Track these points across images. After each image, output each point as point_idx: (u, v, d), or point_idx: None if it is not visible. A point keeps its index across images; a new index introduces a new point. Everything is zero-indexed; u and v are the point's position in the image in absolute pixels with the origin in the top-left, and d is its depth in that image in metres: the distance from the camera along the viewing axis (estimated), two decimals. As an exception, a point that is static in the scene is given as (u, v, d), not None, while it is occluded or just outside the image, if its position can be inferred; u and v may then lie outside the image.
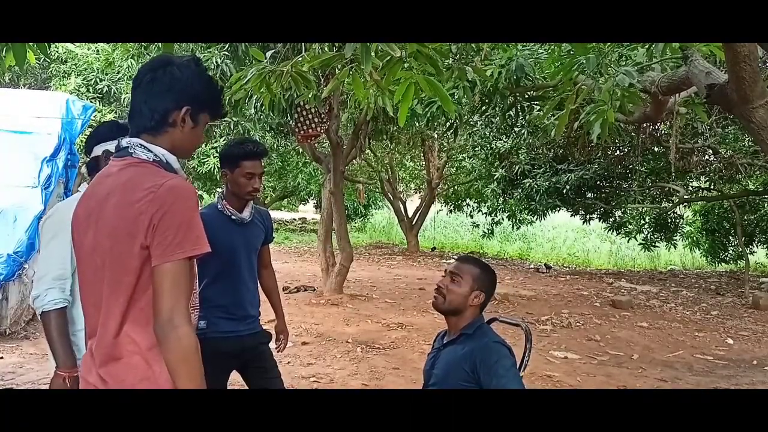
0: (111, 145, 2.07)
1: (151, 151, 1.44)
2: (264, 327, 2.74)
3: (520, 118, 6.47)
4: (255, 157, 2.56)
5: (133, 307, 1.40)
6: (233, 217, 2.58)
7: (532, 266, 13.75)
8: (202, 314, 2.53)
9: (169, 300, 1.33)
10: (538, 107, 5.98)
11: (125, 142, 1.47)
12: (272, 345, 2.77)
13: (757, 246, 13.37)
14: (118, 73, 10.37)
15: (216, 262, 2.58)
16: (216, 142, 10.73)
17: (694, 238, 14.62)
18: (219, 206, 2.60)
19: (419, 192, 18.32)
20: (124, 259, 1.38)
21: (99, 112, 10.24)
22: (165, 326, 1.33)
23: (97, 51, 10.95)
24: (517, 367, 2.07)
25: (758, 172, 10.13)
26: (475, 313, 2.15)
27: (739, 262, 13.10)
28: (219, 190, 2.68)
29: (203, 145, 10.89)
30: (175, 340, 1.32)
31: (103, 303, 1.43)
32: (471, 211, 17.39)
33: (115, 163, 1.48)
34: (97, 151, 2.12)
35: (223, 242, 2.57)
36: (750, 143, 8.58)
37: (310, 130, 7.71)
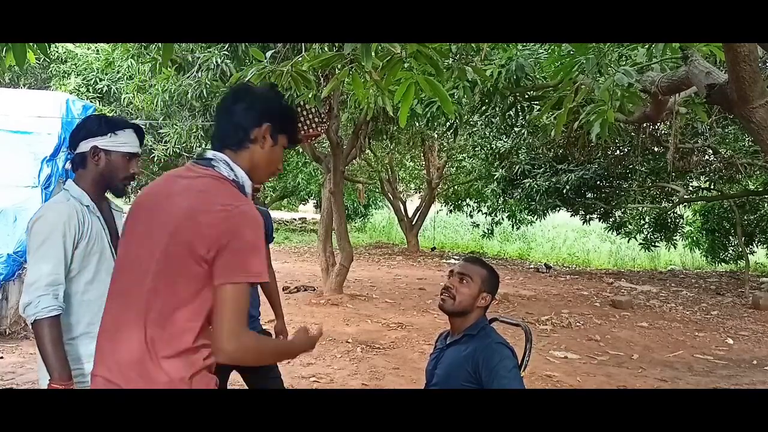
0: (99, 141, 1.98)
1: (233, 171, 1.48)
2: (264, 327, 2.73)
3: (520, 118, 6.47)
4: None
5: (171, 315, 1.38)
6: None
7: (532, 266, 13.75)
8: None
9: (231, 322, 1.35)
10: (538, 107, 5.97)
11: (210, 154, 1.50)
12: None
13: (757, 246, 13.37)
14: (118, 73, 10.37)
15: None
16: (216, 141, 10.71)
17: (694, 238, 14.62)
18: None
19: (419, 192, 18.32)
20: (176, 260, 1.38)
21: (99, 111, 10.25)
22: (231, 351, 1.36)
23: (97, 51, 10.96)
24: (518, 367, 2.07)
25: (758, 172, 10.13)
26: (479, 314, 2.15)
27: (739, 262, 13.11)
28: None
29: (203, 145, 10.87)
30: (245, 353, 1.39)
31: (137, 293, 1.41)
32: (471, 211, 17.40)
33: (194, 170, 1.49)
34: (84, 146, 1.99)
35: None
36: (750, 143, 8.58)
37: (310, 130, 7.71)
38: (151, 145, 10.59)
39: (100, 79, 11.34)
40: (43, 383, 1.90)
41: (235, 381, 2.73)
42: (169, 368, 1.37)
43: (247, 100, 1.52)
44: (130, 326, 1.41)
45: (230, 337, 1.35)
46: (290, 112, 1.62)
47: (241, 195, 1.46)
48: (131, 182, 2.12)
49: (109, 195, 2.12)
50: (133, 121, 2.21)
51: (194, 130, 9.55)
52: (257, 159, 1.52)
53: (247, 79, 2.90)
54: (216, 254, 1.36)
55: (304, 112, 7.58)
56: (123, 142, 2.01)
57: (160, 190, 1.51)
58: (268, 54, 3.09)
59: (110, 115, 2.43)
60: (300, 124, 7.68)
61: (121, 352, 1.41)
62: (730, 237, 13.37)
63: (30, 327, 1.86)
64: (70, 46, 10.95)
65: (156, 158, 11.08)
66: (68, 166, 2.37)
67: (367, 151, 12.09)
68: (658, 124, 8.26)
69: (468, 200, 17.03)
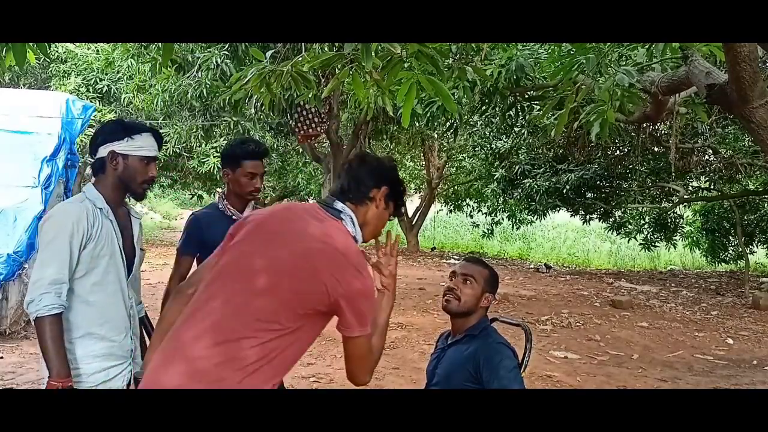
0: (117, 146, 2.01)
1: (355, 228, 1.65)
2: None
3: (520, 118, 6.48)
4: (256, 156, 2.56)
5: (266, 342, 1.46)
6: (234, 217, 2.58)
7: (532, 266, 13.75)
8: None
9: (365, 367, 1.64)
10: (538, 107, 5.98)
11: (339, 206, 1.65)
12: None
13: (757, 246, 13.37)
14: (118, 72, 10.38)
15: None
16: (216, 142, 10.74)
17: (694, 238, 14.62)
18: (220, 206, 2.60)
19: (419, 192, 18.32)
20: (292, 293, 1.48)
21: (99, 111, 10.24)
22: (364, 380, 1.65)
23: (97, 51, 10.97)
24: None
25: (758, 172, 10.13)
26: (481, 315, 2.16)
27: (739, 262, 13.11)
28: (219, 189, 2.69)
29: (203, 145, 10.89)
30: (373, 367, 1.67)
31: (239, 302, 1.49)
32: (471, 211, 17.40)
33: (323, 215, 1.62)
34: (103, 151, 2.02)
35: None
36: (750, 143, 8.58)
37: (310, 130, 7.72)
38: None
39: (100, 79, 11.34)
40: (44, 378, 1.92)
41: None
42: (249, 383, 1.44)
43: (373, 164, 1.72)
44: (224, 331, 1.47)
45: (366, 374, 1.64)
46: (403, 186, 1.79)
47: (361, 257, 1.60)
48: (150, 186, 2.15)
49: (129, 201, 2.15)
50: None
51: (194, 130, 9.57)
52: (370, 217, 1.70)
53: (247, 79, 2.90)
54: (339, 307, 1.51)
55: (304, 112, 7.59)
56: (140, 146, 2.04)
57: (282, 219, 1.63)
58: (268, 54, 3.09)
59: (127, 119, 2.43)
60: (300, 124, 7.69)
61: (200, 352, 1.46)
62: (730, 237, 13.37)
63: (33, 323, 1.89)
64: (70, 46, 10.95)
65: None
66: (89, 171, 2.40)
67: (367, 151, 12.10)
68: (658, 124, 8.26)
69: (468, 200, 17.03)
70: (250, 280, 1.51)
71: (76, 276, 1.92)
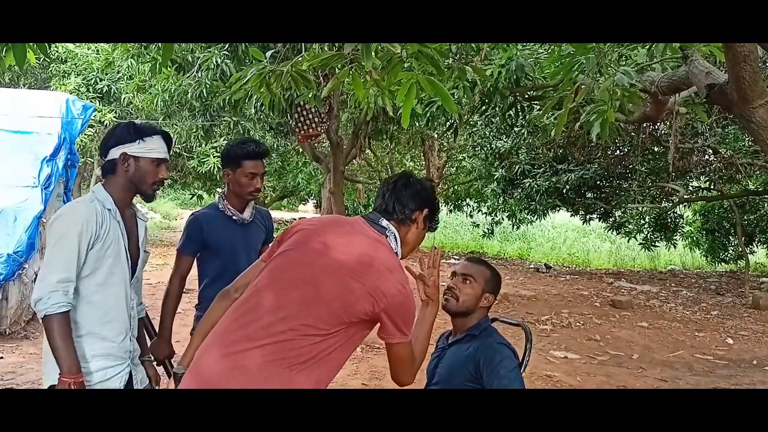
0: (129, 148, 2.02)
1: (398, 245, 1.76)
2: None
3: (520, 118, 6.47)
4: (257, 157, 2.57)
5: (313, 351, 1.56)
6: (234, 217, 2.58)
7: (532, 266, 13.75)
8: (200, 315, 2.53)
9: (407, 371, 1.74)
10: (538, 107, 5.97)
11: (385, 224, 1.76)
12: None
13: (757, 246, 13.37)
14: (118, 73, 10.38)
15: (216, 261, 2.57)
16: (216, 142, 10.74)
17: (694, 238, 14.62)
18: (220, 206, 2.60)
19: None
20: (335, 303, 1.58)
21: (99, 111, 10.25)
22: (412, 381, 1.76)
23: (97, 51, 10.96)
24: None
25: (758, 172, 10.12)
26: (482, 315, 2.16)
27: (739, 262, 13.11)
28: (219, 189, 2.70)
29: (203, 145, 10.89)
30: (416, 369, 1.78)
31: (286, 308, 1.58)
32: (471, 211, 17.39)
33: (370, 232, 1.73)
34: (115, 153, 2.04)
35: (223, 242, 2.56)
36: (750, 143, 8.58)
37: (310, 130, 7.71)
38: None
39: (100, 79, 11.34)
40: (47, 379, 1.94)
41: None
42: (298, 381, 1.53)
43: (417, 187, 1.81)
44: (272, 333, 1.55)
45: (409, 376, 1.75)
46: (438, 206, 1.91)
47: (403, 270, 1.70)
48: (160, 187, 2.17)
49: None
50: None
51: (194, 130, 9.56)
52: (410, 236, 1.81)
53: (247, 79, 2.89)
54: (381, 317, 1.61)
55: (304, 112, 7.58)
56: (151, 148, 2.06)
57: (339, 230, 1.72)
58: (268, 54, 3.09)
59: (139, 122, 2.45)
60: (300, 124, 7.69)
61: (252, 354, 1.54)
62: (730, 237, 13.36)
63: (41, 321, 1.90)
64: (70, 46, 10.94)
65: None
66: (98, 172, 2.40)
67: (367, 151, 12.10)
68: (658, 124, 8.26)
69: (468, 200, 17.02)
70: (300, 287, 1.60)
71: (81, 275, 1.93)
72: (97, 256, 1.95)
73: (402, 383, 1.75)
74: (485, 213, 16.47)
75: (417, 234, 1.83)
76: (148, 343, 2.40)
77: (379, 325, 1.64)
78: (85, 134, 6.75)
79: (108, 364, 1.99)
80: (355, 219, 1.79)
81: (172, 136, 2.33)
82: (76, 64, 11.34)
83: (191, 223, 2.60)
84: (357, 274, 1.59)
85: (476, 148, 12.47)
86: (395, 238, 1.75)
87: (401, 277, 1.64)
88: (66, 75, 11.25)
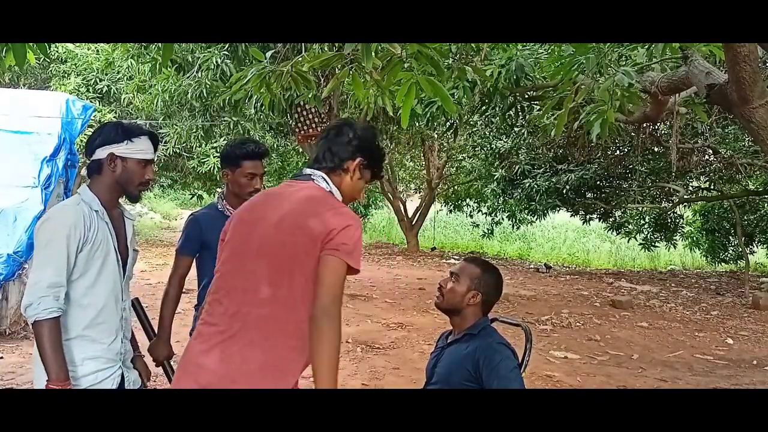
0: (116, 148, 1.99)
1: (329, 185, 1.72)
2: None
3: (520, 118, 6.47)
4: (256, 157, 2.56)
5: (291, 294, 1.59)
6: None
7: (532, 266, 13.75)
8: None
9: (333, 288, 1.54)
10: (538, 107, 5.97)
11: (309, 171, 1.74)
12: None
13: (757, 246, 13.36)
14: (118, 73, 10.37)
15: (215, 261, 2.58)
16: (216, 142, 10.73)
17: (694, 238, 14.61)
18: (219, 206, 2.60)
19: (419, 192, 18.30)
20: (297, 253, 1.58)
21: (99, 112, 10.25)
22: (326, 311, 1.51)
23: (97, 51, 10.96)
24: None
25: (758, 172, 10.13)
26: (476, 314, 2.15)
27: (739, 262, 13.11)
28: (219, 189, 2.70)
29: (203, 145, 10.88)
30: (332, 330, 1.51)
31: (255, 285, 1.61)
32: (471, 211, 17.37)
33: (294, 183, 1.74)
34: (101, 153, 2.01)
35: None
36: (750, 143, 8.58)
37: (310, 130, 7.71)
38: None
39: (100, 80, 11.33)
40: (38, 383, 1.91)
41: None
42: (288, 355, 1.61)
43: (349, 134, 1.76)
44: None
45: (327, 302, 1.52)
46: (381, 153, 1.84)
47: (340, 202, 1.69)
48: (147, 188, 2.15)
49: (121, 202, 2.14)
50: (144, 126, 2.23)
51: (194, 130, 9.56)
52: (344, 186, 1.76)
53: (247, 79, 2.90)
54: (329, 240, 1.56)
55: (304, 112, 7.59)
56: (139, 149, 2.04)
57: (264, 203, 1.73)
58: (268, 54, 3.09)
59: (126, 122, 2.43)
60: (300, 124, 7.69)
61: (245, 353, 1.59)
62: (730, 237, 13.36)
63: (31, 327, 1.87)
64: (70, 46, 10.94)
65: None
66: (84, 172, 2.37)
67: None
68: (658, 124, 8.26)
69: (468, 200, 17.01)
70: (260, 257, 1.62)
71: (71, 279, 1.90)
72: (86, 259, 1.92)
73: (328, 311, 1.51)
74: (485, 213, 16.46)
75: (353, 184, 1.78)
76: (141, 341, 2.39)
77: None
78: (85, 134, 6.74)
79: (99, 367, 1.96)
80: (282, 184, 1.81)
81: (161, 134, 2.32)
82: (76, 64, 11.34)
83: (190, 224, 2.60)
84: (290, 221, 1.61)
85: (476, 148, 12.47)
86: (323, 178, 1.73)
87: (332, 202, 1.66)
88: (66, 75, 11.25)
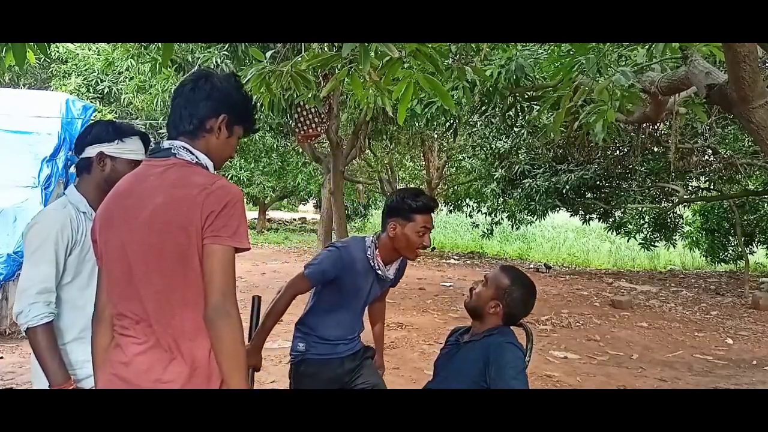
0: (107, 147, 1.97)
1: (194, 154, 1.51)
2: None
3: (520, 118, 6.48)
4: (430, 210, 2.35)
5: (190, 293, 1.43)
6: (378, 272, 2.39)
7: (532, 266, 13.75)
8: (301, 337, 2.45)
9: (222, 284, 1.39)
10: (538, 107, 5.98)
11: (167, 143, 1.52)
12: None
13: (756, 246, 13.38)
14: (119, 74, 10.38)
15: (337, 297, 2.41)
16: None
17: (694, 238, 14.62)
18: (368, 253, 2.38)
19: (419, 192, 18.27)
20: (179, 250, 1.42)
21: (99, 112, 10.24)
22: (218, 311, 1.38)
23: (98, 51, 10.97)
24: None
25: (758, 172, 10.13)
26: (495, 323, 2.15)
27: (738, 262, 13.11)
28: (374, 233, 2.51)
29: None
30: (228, 328, 1.38)
31: (152, 295, 1.45)
32: (471, 211, 17.39)
33: (156, 164, 1.51)
34: (91, 151, 1.98)
35: (356, 289, 2.40)
36: (750, 143, 8.58)
37: (310, 130, 7.72)
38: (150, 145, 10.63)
39: (101, 80, 11.35)
40: (37, 383, 1.91)
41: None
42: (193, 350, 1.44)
43: (206, 89, 1.53)
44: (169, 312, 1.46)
45: (218, 299, 1.38)
46: (248, 103, 1.62)
47: (211, 173, 1.50)
48: None
49: None
50: (137, 126, 2.21)
51: (194, 130, 9.55)
52: (212, 148, 1.55)
53: (247, 79, 2.89)
54: (208, 226, 1.40)
55: (304, 112, 7.59)
56: (129, 149, 2.02)
57: (127, 195, 1.51)
58: (268, 54, 3.09)
59: (118, 121, 2.40)
60: (300, 124, 7.69)
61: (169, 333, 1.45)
62: (730, 237, 13.37)
63: (24, 334, 1.87)
64: (70, 46, 10.94)
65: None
66: (72, 169, 2.32)
67: (367, 151, 12.09)
68: (658, 124, 8.26)
69: (468, 200, 17.02)
70: (143, 293, 1.45)
71: (63, 282, 1.89)
72: (77, 261, 1.91)
73: (214, 301, 1.39)
74: (485, 213, 16.47)
75: (221, 144, 1.56)
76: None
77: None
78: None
79: None
80: (142, 164, 1.57)
81: (159, 134, 2.30)
82: (76, 64, 11.35)
83: (333, 258, 2.35)
84: (169, 206, 1.42)
85: (476, 149, 12.48)
86: (185, 149, 1.50)
87: (201, 177, 1.46)
88: (66, 75, 11.26)
